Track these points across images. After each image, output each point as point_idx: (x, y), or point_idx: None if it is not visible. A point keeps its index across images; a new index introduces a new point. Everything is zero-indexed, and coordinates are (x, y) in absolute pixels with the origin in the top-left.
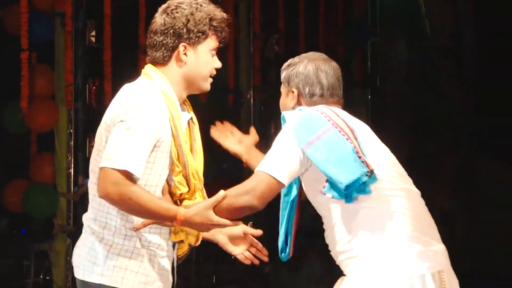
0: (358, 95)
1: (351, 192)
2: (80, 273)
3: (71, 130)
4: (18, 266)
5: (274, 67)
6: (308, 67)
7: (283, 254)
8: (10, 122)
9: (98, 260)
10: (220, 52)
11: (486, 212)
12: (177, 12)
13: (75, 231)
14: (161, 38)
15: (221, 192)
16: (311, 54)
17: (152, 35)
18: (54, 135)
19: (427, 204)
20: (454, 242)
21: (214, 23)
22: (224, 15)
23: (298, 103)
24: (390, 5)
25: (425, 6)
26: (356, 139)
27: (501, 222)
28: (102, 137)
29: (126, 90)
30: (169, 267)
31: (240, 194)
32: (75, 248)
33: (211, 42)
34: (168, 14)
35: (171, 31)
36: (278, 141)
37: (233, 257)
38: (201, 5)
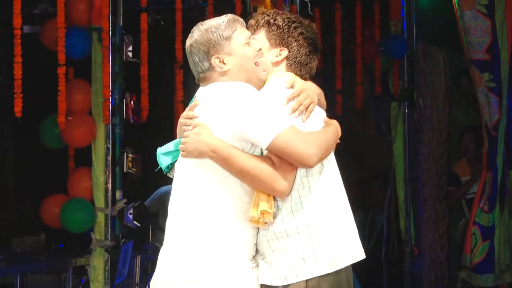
0: (395, 109)
1: None
2: None
3: (109, 145)
4: (56, 281)
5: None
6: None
7: None
8: (48, 138)
9: None
10: None
11: None
12: None
13: (113, 246)
14: None
15: None
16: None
17: None
18: (92, 150)
19: None
20: None
21: None
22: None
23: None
24: (426, 19)
25: (462, 19)
26: None
27: None
28: None
29: None
30: None
31: None
32: None
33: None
34: None
35: None
36: None
37: None
38: None
